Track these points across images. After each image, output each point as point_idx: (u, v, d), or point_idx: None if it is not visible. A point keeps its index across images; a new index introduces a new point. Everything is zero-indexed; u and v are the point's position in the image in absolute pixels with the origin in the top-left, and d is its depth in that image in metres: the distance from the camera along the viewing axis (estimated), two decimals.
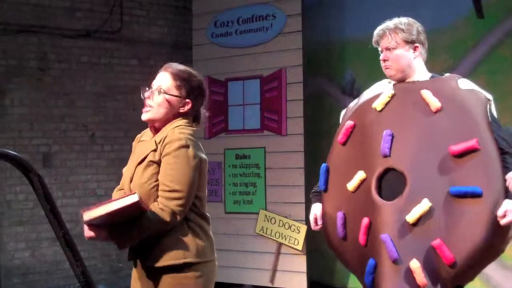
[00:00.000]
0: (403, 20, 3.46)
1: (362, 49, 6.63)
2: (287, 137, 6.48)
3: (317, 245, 6.76)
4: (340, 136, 3.38)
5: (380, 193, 3.12)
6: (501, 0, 5.65)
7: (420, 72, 3.32)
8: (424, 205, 2.97)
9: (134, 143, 3.11)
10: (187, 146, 2.86)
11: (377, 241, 3.04)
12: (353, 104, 3.51)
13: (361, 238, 3.14)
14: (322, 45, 6.90)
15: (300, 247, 6.28)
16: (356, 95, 6.69)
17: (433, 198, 2.97)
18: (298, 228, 6.29)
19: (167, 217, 2.80)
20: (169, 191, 2.82)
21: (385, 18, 6.39)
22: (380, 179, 3.14)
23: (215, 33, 6.99)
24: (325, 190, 3.39)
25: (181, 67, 3.05)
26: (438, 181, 3.00)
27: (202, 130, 6.97)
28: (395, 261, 2.97)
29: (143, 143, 2.99)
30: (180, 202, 2.82)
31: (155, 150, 2.89)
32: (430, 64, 6.05)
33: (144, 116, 2.97)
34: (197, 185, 2.89)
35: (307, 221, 6.31)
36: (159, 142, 2.88)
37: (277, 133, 6.54)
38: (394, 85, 3.35)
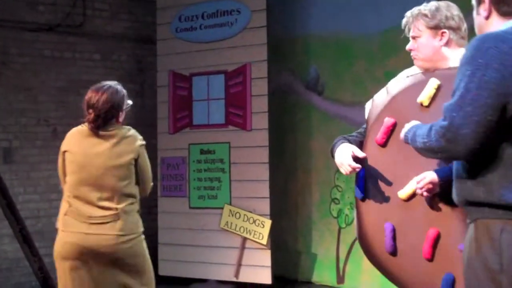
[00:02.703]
0: (432, 4, 3.09)
1: (326, 45, 6.69)
2: (252, 132, 6.48)
3: (282, 240, 6.79)
4: (379, 136, 2.98)
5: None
6: None
7: (456, 59, 2.87)
8: None
9: None
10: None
11: (452, 253, 2.76)
12: (381, 95, 3.13)
13: (426, 251, 2.82)
14: (286, 41, 6.92)
15: (264, 241, 6.29)
16: (321, 90, 6.78)
17: None
18: (263, 222, 6.30)
19: None
20: None
21: (349, 15, 6.48)
22: None
23: (179, 28, 6.95)
24: (364, 198, 3.00)
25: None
26: None
27: (166, 125, 6.94)
28: None
29: None
30: None
31: None
32: (396, 60, 6.14)
33: None
34: (63, 172, 3.91)
35: (271, 216, 6.33)
36: None
37: (242, 128, 6.53)
38: (432, 72, 3.00)
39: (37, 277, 5.57)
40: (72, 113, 7.04)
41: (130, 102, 3.97)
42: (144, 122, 7.50)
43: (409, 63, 6.24)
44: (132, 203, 3.82)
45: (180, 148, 6.82)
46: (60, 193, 6.90)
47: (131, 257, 3.79)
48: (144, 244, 3.90)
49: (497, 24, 2.45)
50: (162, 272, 6.76)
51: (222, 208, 6.55)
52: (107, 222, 3.74)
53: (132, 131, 3.92)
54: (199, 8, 6.85)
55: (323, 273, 6.61)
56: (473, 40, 2.34)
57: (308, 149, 6.79)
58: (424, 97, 2.89)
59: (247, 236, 6.38)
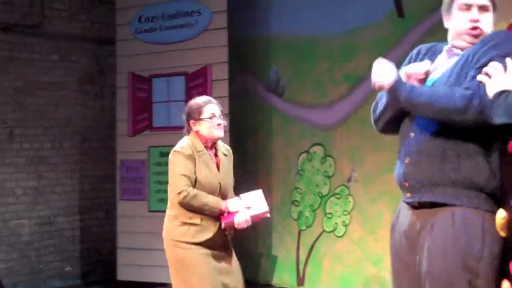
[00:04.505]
0: None
1: (287, 46, 6.69)
2: None
3: (242, 242, 6.76)
4: None
5: None
6: (421, 0, 5.80)
7: None
8: None
9: (193, 154, 4.04)
10: None
11: None
12: None
13: None
14: (248, 42, 6.91)
15: None
16: (281, 92, 6.78)
17: None
18: None
19: None
20: None
21: (310, 17, 6.49)
22: None
23: (139, 29, 6.88)
24: None
25: None
26: None
27: (126, 128, 6.86)
28: None
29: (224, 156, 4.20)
30: None
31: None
32: (354, 62, 6.18)
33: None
34: None
35: None
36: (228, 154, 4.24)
37: None
38: None
39: None
40: (30, 115, 6.93)
41: (207, 110, 4.12)
42: (103, 124, 7.44)
43: (369, 65, 6.28)
44: (169, 208, 4.14)
45: (139, 150, 6.74)
46: (16, 196, 6.81)
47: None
48: (172, 251, 4.06)
49: None
50: (121, 277, 6.68)
51: None
52: None
53: (181, 141, 4.13)
54: (159, 9, 6.79)
55: (283, 275, 6.61)
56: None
57: (269, 151, 6.79)
58: None
59: None
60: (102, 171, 7.40)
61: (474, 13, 2.66)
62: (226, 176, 4.16)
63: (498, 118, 2.40)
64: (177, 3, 6.71)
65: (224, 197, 4.09)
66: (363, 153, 6.04)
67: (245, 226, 4.04)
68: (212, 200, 4.00)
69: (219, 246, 4.06)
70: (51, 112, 7.01)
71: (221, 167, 4.13)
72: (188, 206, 3.99)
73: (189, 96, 6.55)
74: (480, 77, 2.48)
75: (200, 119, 4.10)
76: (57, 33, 7.18)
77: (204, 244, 4.00)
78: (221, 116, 4.15)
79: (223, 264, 4.07)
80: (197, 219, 4.00)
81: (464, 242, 2.47)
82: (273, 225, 6.73)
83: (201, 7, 6.56)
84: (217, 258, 4.05)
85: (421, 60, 2.83)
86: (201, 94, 6.63)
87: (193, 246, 3.99)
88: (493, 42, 2.53)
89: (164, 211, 6.54)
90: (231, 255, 4.15)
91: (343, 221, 6.24)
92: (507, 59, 2.43)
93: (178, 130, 6.64)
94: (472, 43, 2.66)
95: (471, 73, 2.53)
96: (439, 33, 5.42)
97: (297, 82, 6.61)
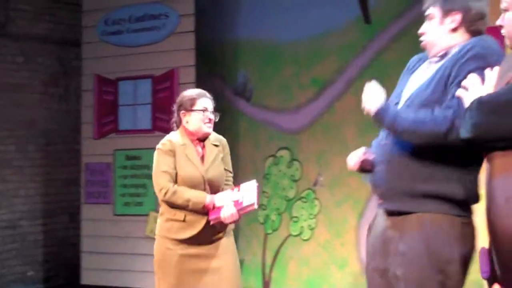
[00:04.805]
0: None
1: (255, 50, 6.71)
2: None
3: None
4: None
5: None
6: (387, 6, 5.86)
7: None
8: None
9: (173, 149, 3.91)
10: None
11: None
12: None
13: None
14: (216, 46, 6.90)
15: None
16: (249, 96, 6.78)
17: None
18: None
19: None
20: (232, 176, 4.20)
21: (276, 20, 6.52)
22: None
23: (106, 31, 6.83)
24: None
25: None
26: None
27: (91, 130, 6.80)
28: None
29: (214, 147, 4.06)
30: None
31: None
32: (320, 66, 6.20)
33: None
34: None
35: None
36: (219, 144, 4.10)
37: None
38: None
39: None
40: None
41: (200, 103, 4.06)
42: (68, 127, 7.35)
43: (336, 69, 6.35)
44: (160, 205, 4.00)
45: (105, 153, 6.69)
46: None
47: None
48: (157, 248, 3.94)
49: (462, 38, 2.60)
50: (84, 281, 6.61)
51: (147, 215, 6.46)
52: None
53: (166, 136, 4.05)
54: (126, 11, 6.75)
55: (249, 279, 6.60)
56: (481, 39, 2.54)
57: (236, 154, 6.75)
58: None
59: None
60: (67, 174, 7.32)
61: (423, 26, 2.70)
62: (213, 168, 3.97)
63: (462, 133, 2.33)
64: (145, 6, 6.68)
65: (215, 190, 3.92)
66: (329, 157, 6.07)
67: (232, 220, 3.82)
68: (194, 195, 3.81)
69: (206, 242, 3.89)
70: (15, 115, 6.91)
71: (206, 159, 3.96)
72: (171, 204, 3.85)
73: (155, 99, 6.55)
74: (458, 92, 2.43)
75: (192, 110, 4.00)
76: (22, 35, 7.09)
77: (188, 241, 3.85)
78: (213, 112, 4.07)
79: (207, 262, 3.88)
80: (180, 216, 3.85)
81: (434, 246, 2.53)
82: (240, 229, 6.72)
83: (169, 10, 6.54)
84: (202, 256, 3.89)
85: (411, 71, 2.81)
86: (168, 97, 6.68)
87: (174, 247, 3.87)
88: (471, 53, 2.50)
89: (129, 215, 6.60)
90: (220, 249, 3.94)
91: (309, 225, 6.26)
92: (486, 71, 2.36)
93: (145, 133, 6.66)
94: (432, 55, 2.69)
95: (452, 90, 2.49)
96: (405, 39, 5.55)
97: (265, 86, 6.63)
